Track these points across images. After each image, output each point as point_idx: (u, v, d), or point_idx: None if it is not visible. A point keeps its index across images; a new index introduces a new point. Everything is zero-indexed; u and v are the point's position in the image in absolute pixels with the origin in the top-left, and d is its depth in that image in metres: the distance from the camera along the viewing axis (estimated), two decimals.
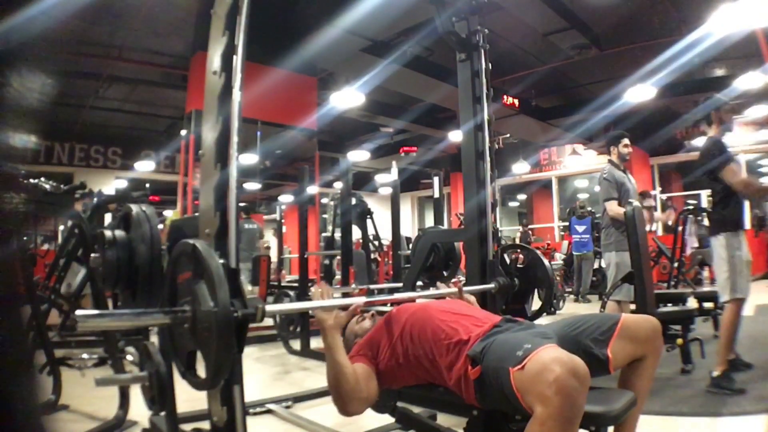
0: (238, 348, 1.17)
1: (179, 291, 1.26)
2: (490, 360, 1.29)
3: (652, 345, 1.48)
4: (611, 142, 3.80)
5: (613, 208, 3.50)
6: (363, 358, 1.59)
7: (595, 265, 7.98)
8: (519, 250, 2.80)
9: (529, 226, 12.34)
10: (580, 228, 8.15)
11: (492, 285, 2.29)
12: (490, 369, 1.28)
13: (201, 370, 1.20)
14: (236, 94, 1.36)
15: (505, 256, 2.49)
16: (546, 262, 2.42)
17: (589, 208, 8.07)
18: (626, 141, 3.73)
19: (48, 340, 2.74)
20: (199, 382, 1.22)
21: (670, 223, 3.50)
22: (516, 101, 8.72)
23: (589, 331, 1.48)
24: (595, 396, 1.30)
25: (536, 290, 2.47)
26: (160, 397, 1.57)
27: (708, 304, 3.83)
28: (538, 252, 2.52)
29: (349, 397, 1.47)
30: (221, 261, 1.19)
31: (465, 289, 2.02)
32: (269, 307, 1.25)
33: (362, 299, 1.65)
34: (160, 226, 1.46)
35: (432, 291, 2.37)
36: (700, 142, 10.60)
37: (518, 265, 2.46)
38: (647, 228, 3.61)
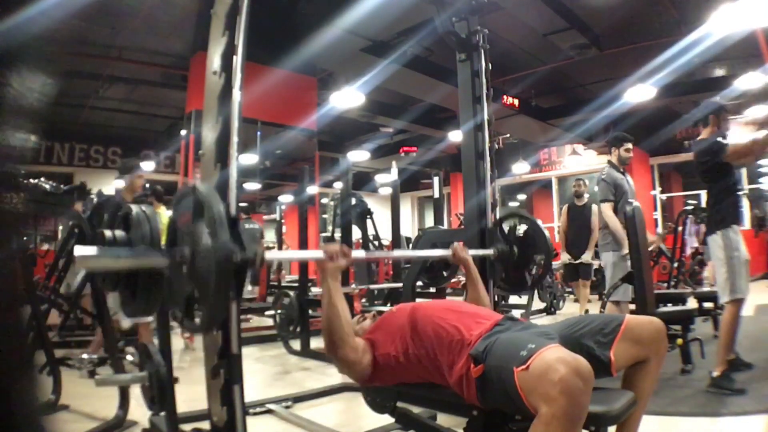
0: (236, 293, 1.17)
1: (180, 239, 1.27)
2: (493, 359, 1.29)
3: (656, 347, 1.47)
4: (613, 143, 3.79)
5: (606, 211, 3.52)
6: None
7: (595, 265, 7.98)
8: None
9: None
10: None
11: (491, 251, 2.30)
12: (492, 368, 1.28)
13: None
14: (236, 94, 1.37)
15: (504, 225, 2.51)
16: (545, 230, 2.43)
17: None
18: (629, 146, 3.72)
19: (48, 340, 2.74)
20: (194, 327, 1.22)
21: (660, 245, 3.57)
22: (516, 101, 8.72)
23: (592, 332, 1.47)
24: (596, 396, 1.30)
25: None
26: (160, 397, 1.58)
27: (708, 304, 3.83)
28: (538, 221, 2.53)
29: (342, 341, 1.49)
30: (222, 205, 1.19)
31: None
32: (269, 254, 1.25)
33: (362, 252, 1.69)
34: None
35: (431, 252, 2.38)
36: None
37: (517, 234, 2.46)
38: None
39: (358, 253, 1.65)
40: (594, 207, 5.65)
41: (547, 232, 2.44)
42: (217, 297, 1.11)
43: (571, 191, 5.67)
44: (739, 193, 3.03)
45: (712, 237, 2.94)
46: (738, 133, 2.89)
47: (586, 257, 5.64)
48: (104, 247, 1.27)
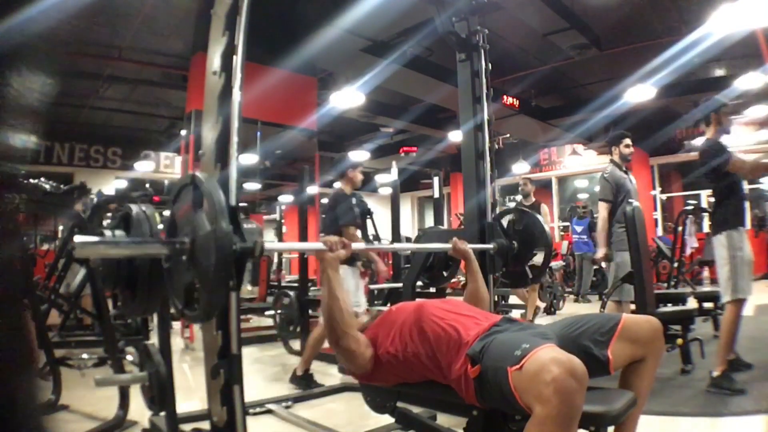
0: (236, 283, 1.17)
1: (179, 229, 1.27)
2: (488, 359, 1.29)
3: (652, 346, 1.48)
4: (613, 141, 3.80)
5: (601, 212, 3.53)
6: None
7: (595, 265, 7.99)
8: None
9: None
10: (579, 228, 8.17)
11: (491, 245, 2.31)
12: (488, 368, 1.28)
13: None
14: (236, 94, 1.37)
15: (503, 221, 2.51)
16: (544, 223, 2.44)
17: (591, 209, 8.08)
18: (628, 141, 3.73)
19: (48, 340, 2.74)
20: (194, 315, 1.22)
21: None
22: (516, 101, 8.71)
23: (589, 331, 1.48)
24: (595, 396, 1.30)
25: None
26: (160, 397, 1.57)
27: (708, 304, 3.83)
28: (536, 214, 2.53)
29: (343, 331, 1.50)
30: (222, 195, 1.19)
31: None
32: (268, 245, 1.25)
33: (361, 244, 1.70)
34: (160, 226, 1.46)
35: (431, 245, 2.39)
36: (700, 142, 10.54)
37: (516, 228, 2.47)
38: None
39: (358, 245, 1.65)
40: (543, 207, 5.57)
41: (547, 227, 2.44)
42: (217, 285, 1.11)
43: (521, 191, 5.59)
44: (743, 192, 3.03)
45: (716, 237, 2.93)
46: (740, 134, 2.99)
47: (537, 259, 5.57)
48: (103, 237, 1.27)
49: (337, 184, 3.61)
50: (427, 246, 2.50)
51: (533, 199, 5.58)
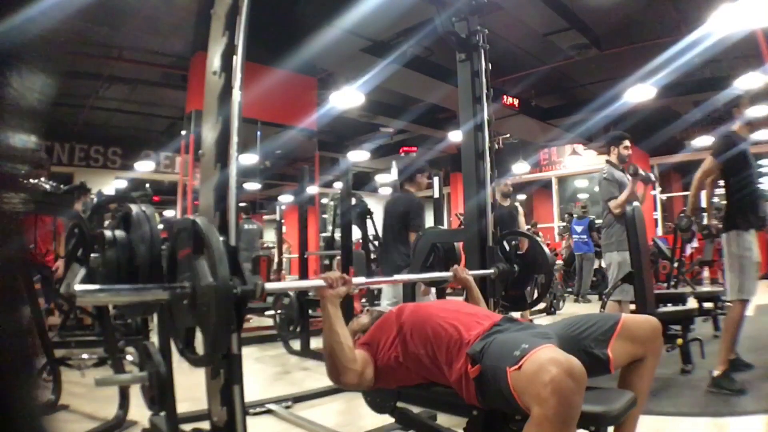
0: (237, 325, 1.18)
1: (179, 268, 1.26)
2: (488, 359, 1.29)
3: (652, 345, 1.48)
4: (612, 142, 3.80)
5: (617, 202, 3.49)
6: (364, 347, 1.61)
7: (596, 265, 7.99)
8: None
9: (538, 226, 12.02)
10: (579, 228, 8.18)
11: (492, 270, 2.30)
12: (488, 368, 1.28)
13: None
14: (236, 94, 1.37)
15: (504, 243, 2.50)
16: (546, 248, 2.44)
17: (590, 216, 8.10)
18: (627, 143, 3.72)
19: (48, 340, 2.74)
20: (196, 359, 1.22)
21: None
22: (516, 101, 8.72)
23: (589, 331, 1.48)
24: (595, 396, 1.30)
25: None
26: (160, 397, 1.57)
27: (708, 304, 3.83)
28: (538, 239, 2.53)
29: (344, 367, 1.50)
30: (221, 238, 1.19)
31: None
32: (269, 285, 1.25)
33: (362, 279, 1.70)
34: (160, 226, 1.46)
35: (430, 274, 2.39)
36: (700, 142, 10.49)
37: (517, 252, 2.46)
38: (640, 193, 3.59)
39: (358, 280, 1.66)
40: (519, 209, 5.55)
41: (547, 250, 2.44)
42: (219, 331, 1.12)
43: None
44: (757, 188, 2.98)
45: (725, 235, 2.92)
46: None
47: None
48: (105, 285, 1.27)
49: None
50: (427, 275, 2.50)
51: (509, 201, 5.57)
